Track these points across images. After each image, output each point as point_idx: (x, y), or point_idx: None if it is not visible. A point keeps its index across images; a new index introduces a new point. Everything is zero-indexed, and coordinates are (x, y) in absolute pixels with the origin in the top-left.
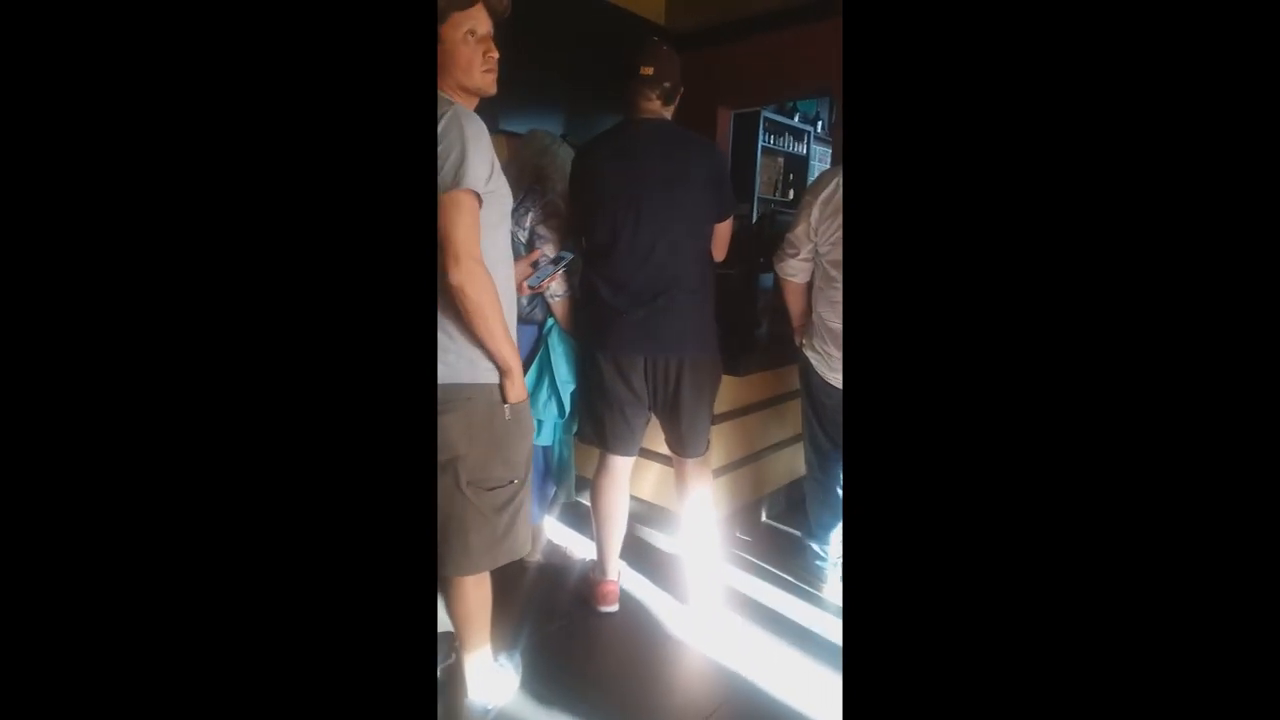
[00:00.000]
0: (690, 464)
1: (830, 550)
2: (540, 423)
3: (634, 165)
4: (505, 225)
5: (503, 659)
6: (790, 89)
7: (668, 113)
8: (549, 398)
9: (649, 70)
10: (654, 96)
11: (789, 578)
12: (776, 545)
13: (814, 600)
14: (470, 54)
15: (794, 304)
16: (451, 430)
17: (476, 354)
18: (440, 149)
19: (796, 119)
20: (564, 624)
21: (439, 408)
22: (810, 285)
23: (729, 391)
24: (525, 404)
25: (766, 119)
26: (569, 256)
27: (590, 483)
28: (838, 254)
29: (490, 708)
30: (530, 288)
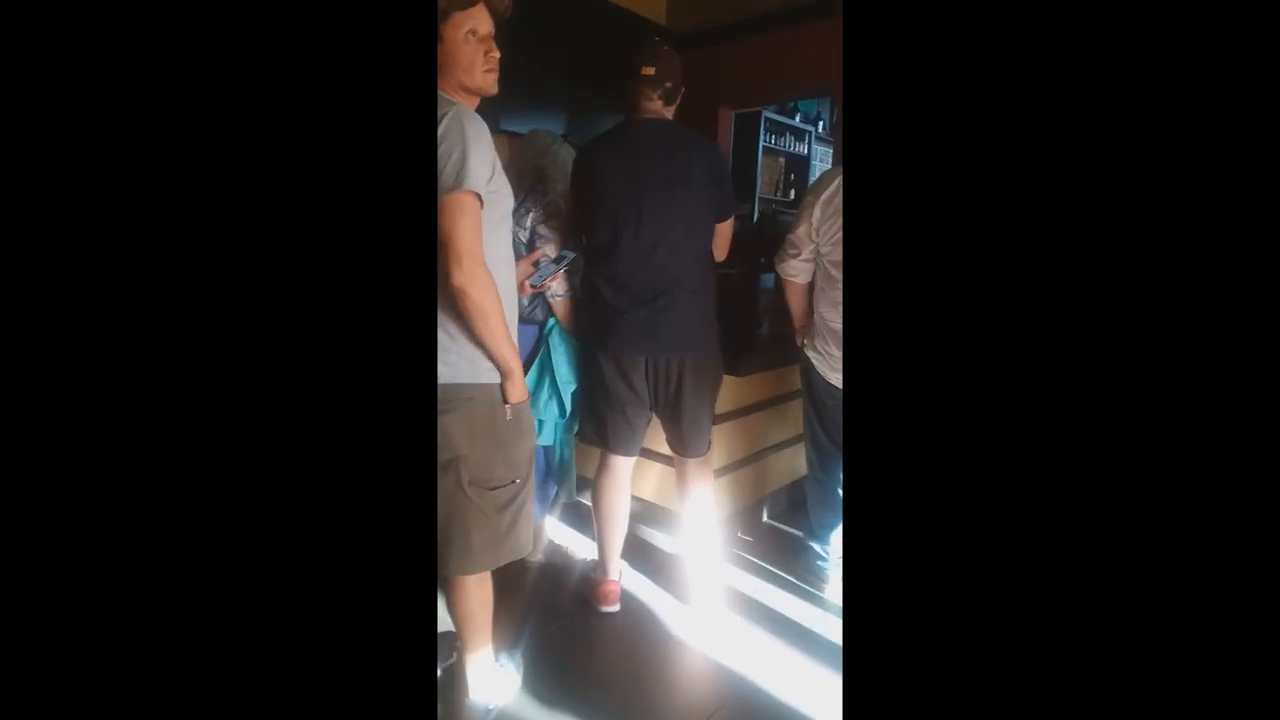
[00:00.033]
0: (691, 464)
1: (831, 551)
2: (541, 423)
3: (635, 165)
4: (506, 225)
5: (504, 659)
6: (791, 89)
7: (669, 113)
8: (550, 398)
9: (650, 70)
10: (655, 96)
11: (790, 578)
12: (778, 545)
13: (815, 601)
14: (471, 54)
15: (795, 304)
16: (453, 430)
17: (478, 354)
18: (441, 150)
19: (798, 119)
20: (565, 624)
21: (440, 408)
22: (812, 285)
23: (730, 391)
24: (526, 404)
25: (768, 119)
26: (570, 256)
27: (591, 483)
28: (839, 254)
29: (491, 707)
30: (531, 287)
